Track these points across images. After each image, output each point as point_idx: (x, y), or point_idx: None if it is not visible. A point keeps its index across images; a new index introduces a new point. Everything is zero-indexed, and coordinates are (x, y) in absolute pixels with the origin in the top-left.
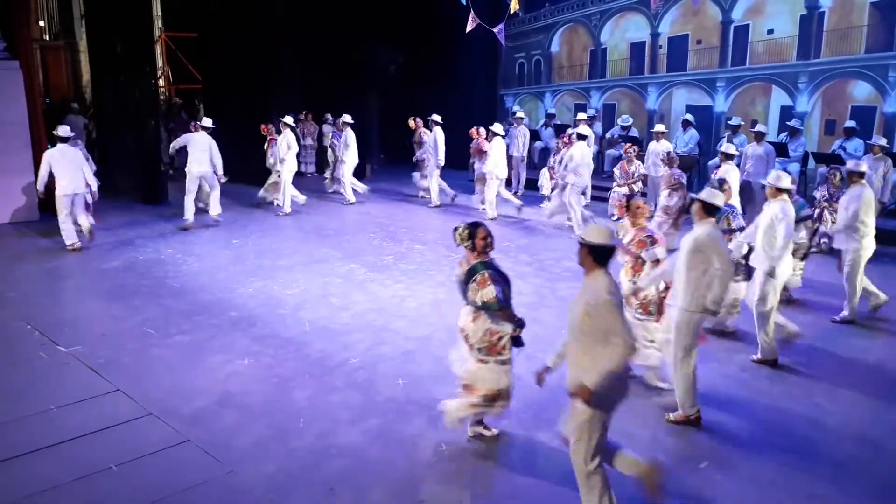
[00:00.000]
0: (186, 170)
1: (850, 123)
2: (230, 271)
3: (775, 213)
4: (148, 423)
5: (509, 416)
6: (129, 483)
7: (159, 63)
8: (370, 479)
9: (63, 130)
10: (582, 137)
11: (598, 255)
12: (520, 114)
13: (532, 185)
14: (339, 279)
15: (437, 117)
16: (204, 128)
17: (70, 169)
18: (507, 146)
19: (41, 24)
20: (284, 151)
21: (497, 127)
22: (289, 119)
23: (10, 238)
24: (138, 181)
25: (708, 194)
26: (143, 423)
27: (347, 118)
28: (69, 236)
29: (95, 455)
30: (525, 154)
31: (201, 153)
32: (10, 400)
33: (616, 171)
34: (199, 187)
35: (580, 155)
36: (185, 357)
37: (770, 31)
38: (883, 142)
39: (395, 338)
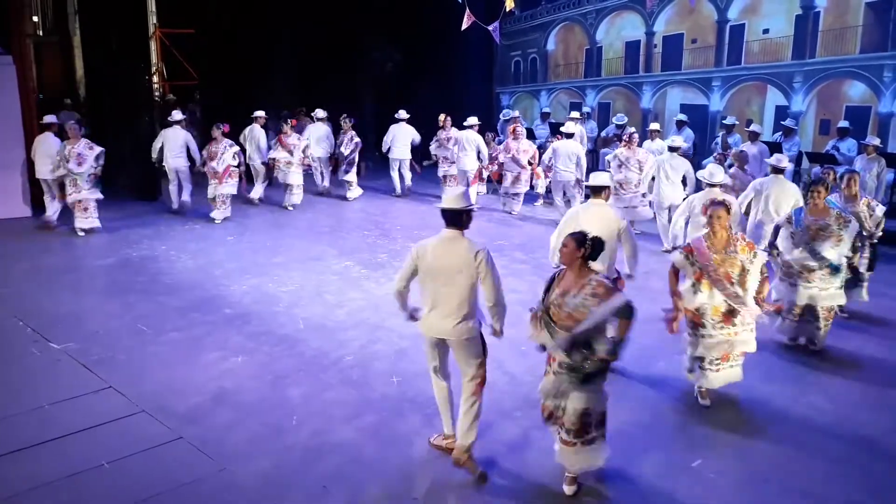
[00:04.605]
0: (164, 163)
1: (844, 123)
2: (225, 268)
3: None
4: (141, 421)
5: (503, 415)
6: (121, 480)
7: (154, 59)
8: (364, 476)
9: (47, 118)
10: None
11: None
12: (515, 112)
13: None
14: (334, 276)
15: (473, 119)
16: (175, 122)
17: (44, 155)
18: (502, 144)
19: (35, 19)
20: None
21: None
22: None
23: (2, 234)
24: (132, 177)
25: None
26: (135, 421)
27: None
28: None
29: (87, 452)
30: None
31: (175, 148)
32: (3, 397)
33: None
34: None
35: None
36: (179, 354)
37: (765, 31)
38: (876, 142)
39: (390, 335)
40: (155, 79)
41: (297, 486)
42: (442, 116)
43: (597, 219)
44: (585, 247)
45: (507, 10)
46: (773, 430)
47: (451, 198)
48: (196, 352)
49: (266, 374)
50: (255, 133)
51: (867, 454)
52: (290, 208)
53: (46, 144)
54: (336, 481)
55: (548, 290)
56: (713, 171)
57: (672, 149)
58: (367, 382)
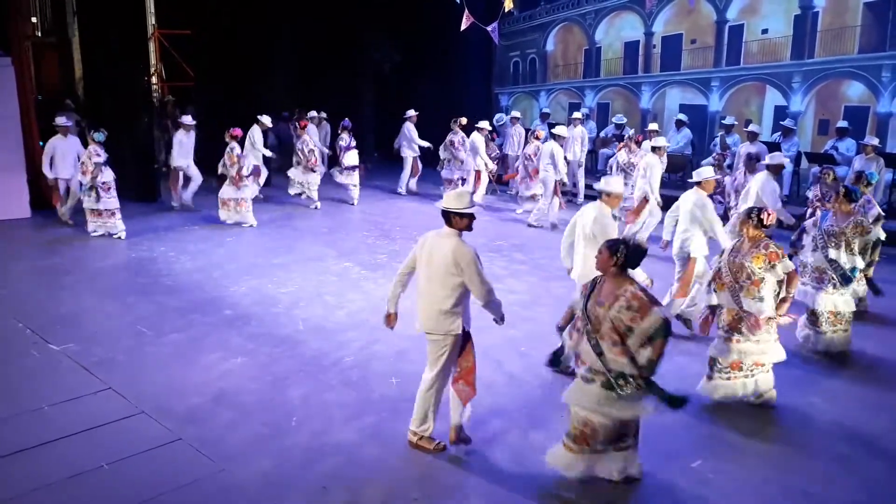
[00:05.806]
0: (170, 164)
1: (843, 123)
2: (224, 269)
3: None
4: (141, 422)
5: (503, 415)
6: (120, 481)
7: (152, 60)
8: (364, 477)
9: (59, 119)
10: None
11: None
12: (515, 113)
13: None
14: (334, 278)
15: (484, 124)
16: (186, 125)
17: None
18: (502, 145)
19: (34, 20)
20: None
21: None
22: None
23: (1, 235)
24: (131, 179)
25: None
26: (135, 422)
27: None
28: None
29: (87, 453)
30: (521, 153)
31: (182, 148)
32: (3, 398)
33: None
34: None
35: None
36: (178, 355)
37: (764, 31)
38: (875, 142)
39: (389, 336)
40: (153, 80)
41: (297, 486)
42: (464, 120)
43: (590, 220)
44: (619, 255)
45: (506, 10)
46: (773, 430)
47: (446, 197)
48: (196, 353)
49: (266, 375)
50: (254, 134)
51: (867, 454)
52: (316, 207)
53: (67, 144)
54: (335, 482)
55: (588, 295)
56: (702, 170)
57: (654, 149)
58: (367, 383)
